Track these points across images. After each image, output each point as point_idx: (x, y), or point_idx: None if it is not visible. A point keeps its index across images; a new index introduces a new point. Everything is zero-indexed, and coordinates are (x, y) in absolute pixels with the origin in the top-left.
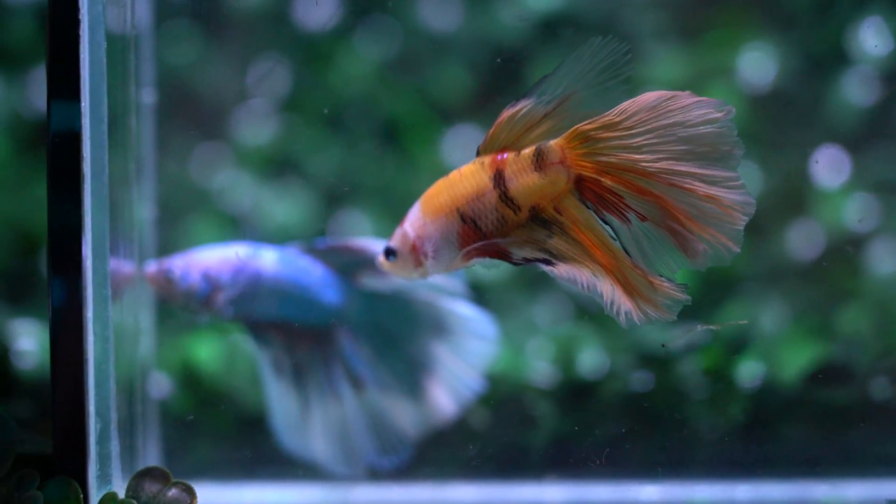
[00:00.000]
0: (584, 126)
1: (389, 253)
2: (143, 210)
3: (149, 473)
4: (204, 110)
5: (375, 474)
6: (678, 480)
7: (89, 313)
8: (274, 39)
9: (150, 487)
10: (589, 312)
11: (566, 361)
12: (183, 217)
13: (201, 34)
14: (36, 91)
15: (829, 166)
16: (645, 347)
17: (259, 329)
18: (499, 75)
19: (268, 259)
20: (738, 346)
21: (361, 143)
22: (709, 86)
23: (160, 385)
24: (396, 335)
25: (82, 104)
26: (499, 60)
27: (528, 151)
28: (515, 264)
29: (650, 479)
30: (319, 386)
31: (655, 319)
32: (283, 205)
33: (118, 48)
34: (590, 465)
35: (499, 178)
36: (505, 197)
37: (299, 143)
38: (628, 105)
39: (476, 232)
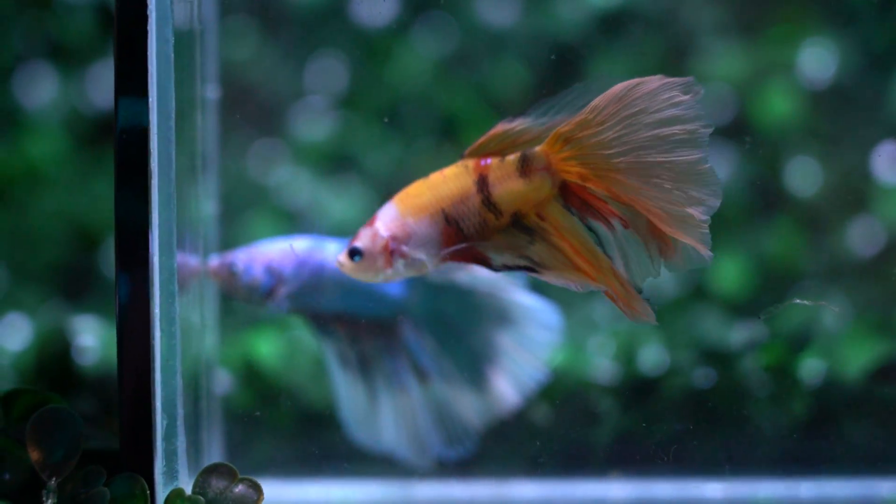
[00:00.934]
0: (562, 128)
1: (355, 253)
2: (208, 206)
3: (215, 470)
4: (263, 106)
5: (442, 466)
6: (742, 477)
7: (156, 309)
8: (332, 36)
9: (217, 484)
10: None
11: (627, 358)
12: (243, 213)
13: (261, 30)
14: (95, 87)
15: (889, 162)
16: (706, 344)
17: (322, 321)
18: (556, 70)
19: (331, 252)
20: (799, 342)
21: (418, 140)
22: (768, 81)
23: (223, 381)
24: (460, 326)
25: (150, 100)
26: (552, 57)
27: (512, 158)
28: (495, 270)
29: (714, 476)
30: (386, 378)
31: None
32: (341, 201)
33: (184, 43)
34: (653, 462)
35: (482, 182)
36: (487, 202)
37: (357, 139)
38: (599, 100)
39: (458, 234)
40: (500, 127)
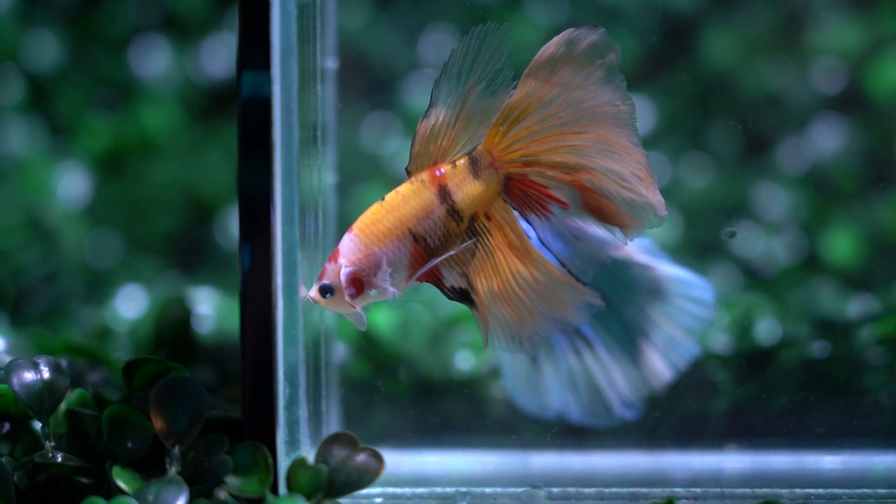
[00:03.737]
0: (497, 119)
1: (326, 291)
2: (326, 176)
3: (337, 439)
4: (378, 77)
5: (557, 436)
6: (858, 449)
7: (279, 279)
8: (445, 8)
9: (339, 453)
10: (761, 282)
11: (741, 330)
12: (358, 183)
13: (377, 3)
14: (208, 59)
15: None
16: (821, 315)
17: None
18: (667, 44)
19: None
20: None
21: None
22: (884, 53)
23: (340, 351)
24: (615, 299)
25: (272, 71)
26: (653, 40)
27: (462, 161)
28: (447, 295)
29: (830, 448)
30: (548, 345)
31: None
32: None
33: (305, 15)
34: (769, 434)
35: (443, 192)
36: (452, 210)
37: None
38: (522, 83)
39: (426, 250)
40: (422, 128)
